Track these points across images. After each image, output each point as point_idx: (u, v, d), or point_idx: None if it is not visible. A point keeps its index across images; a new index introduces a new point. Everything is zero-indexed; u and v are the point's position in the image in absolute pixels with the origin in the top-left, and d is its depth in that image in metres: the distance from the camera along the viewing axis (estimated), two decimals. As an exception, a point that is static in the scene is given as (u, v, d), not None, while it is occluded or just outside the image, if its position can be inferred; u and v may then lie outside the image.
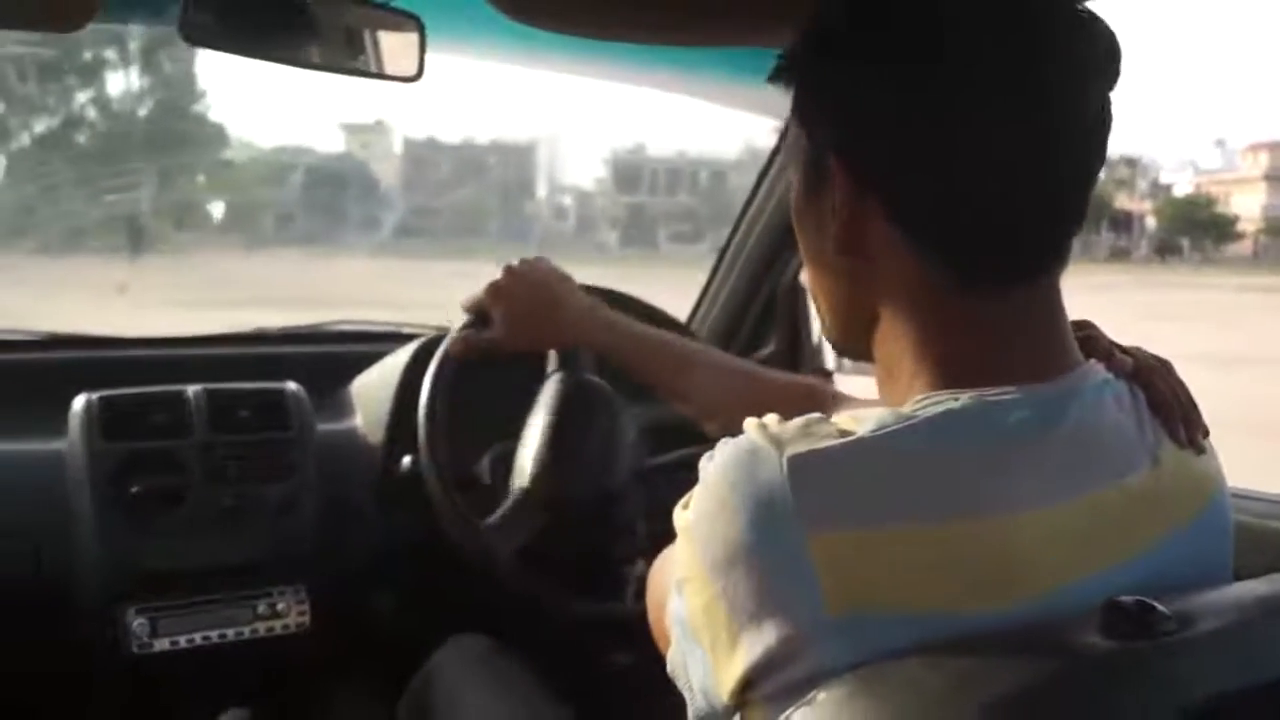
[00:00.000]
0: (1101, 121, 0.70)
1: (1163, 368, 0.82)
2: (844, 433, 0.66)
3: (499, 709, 1.32)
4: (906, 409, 0.68)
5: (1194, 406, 0.80)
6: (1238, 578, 0.75)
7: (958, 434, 0.66)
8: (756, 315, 1.97)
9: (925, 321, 0.71)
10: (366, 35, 1.34)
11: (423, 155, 32.70)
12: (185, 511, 1.46)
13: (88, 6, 1.12)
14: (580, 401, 1.40)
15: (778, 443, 0.66)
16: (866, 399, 0.72)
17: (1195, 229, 31.26)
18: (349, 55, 1.35)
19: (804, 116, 0.76)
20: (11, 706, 1.51)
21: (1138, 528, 0.71)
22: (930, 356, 0.71)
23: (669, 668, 0.75)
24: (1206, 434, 0.79)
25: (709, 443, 0.71)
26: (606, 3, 1.18)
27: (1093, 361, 0.74)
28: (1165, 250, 30.76)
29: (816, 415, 0.69)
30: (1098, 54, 0.69)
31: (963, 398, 0.68)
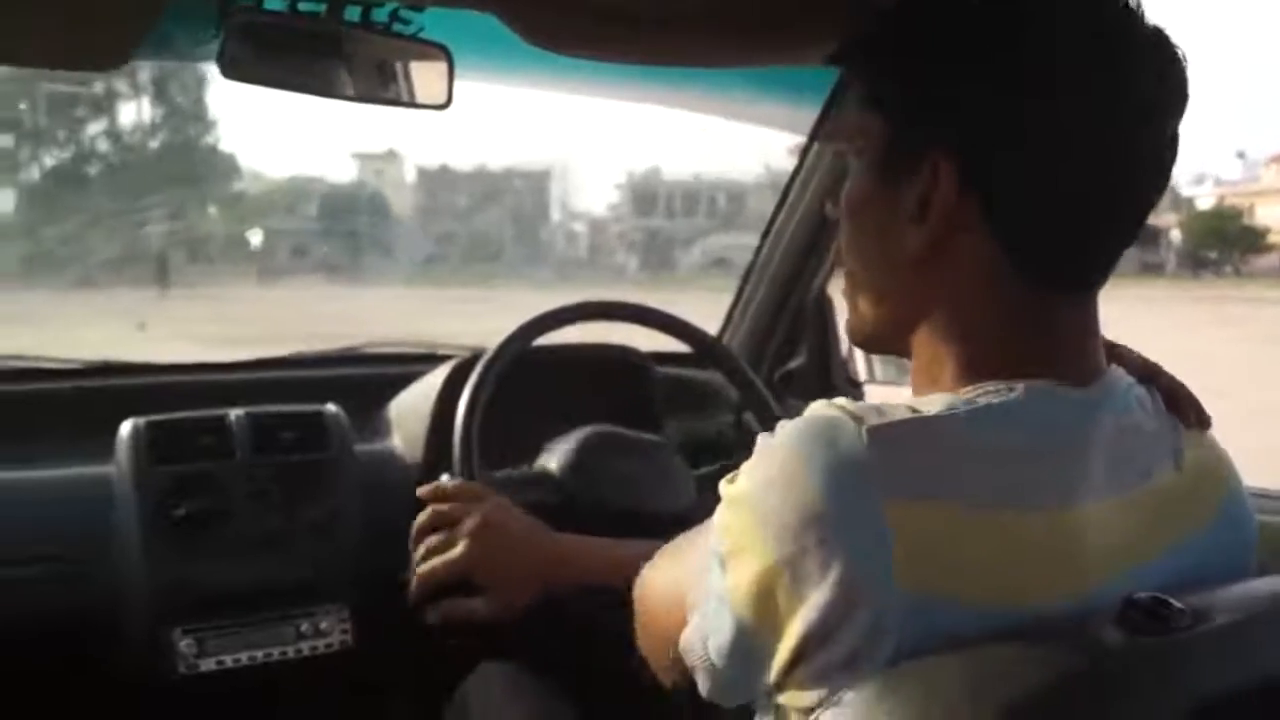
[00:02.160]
0: (1172, 147, 0.73)
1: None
2: (913, 410, 0.69)
3: None
4: (963, 395, 0.71)
5: (1193, 396, 0.83)
6: (1263, 574, 0.76)
7: (1014, 424, 0.69)
8: (786, 327, 1.99)
9: (988, 318, 0.74)
10: (398, 66, 1.38)
11: (437, 183, 32.77)
12: (229, 533, 1.48)
13: (123, 47, 1.14)
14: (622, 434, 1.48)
15: (855, 417, 0.68)
16: None
17: (1224, 242, 30.99)
18: (381, 85, 1.38)
19: (902, 111, 0.75)
20: None
21: (1167, 525, 0.74)
22: (989, 351, 0.73)
23: (681, 644, 0.75)
24: (1209, 424, 0.82)
25: (748, 455, 0.72)
26: (632, 28, 1.21)
27: (1113, 365, 0.77)
28: (1197, 264, 30.66)
29: (880, 401, 0.72)
30: (1181, 84, 0.73)
31: (1017, 388, 0.70)
